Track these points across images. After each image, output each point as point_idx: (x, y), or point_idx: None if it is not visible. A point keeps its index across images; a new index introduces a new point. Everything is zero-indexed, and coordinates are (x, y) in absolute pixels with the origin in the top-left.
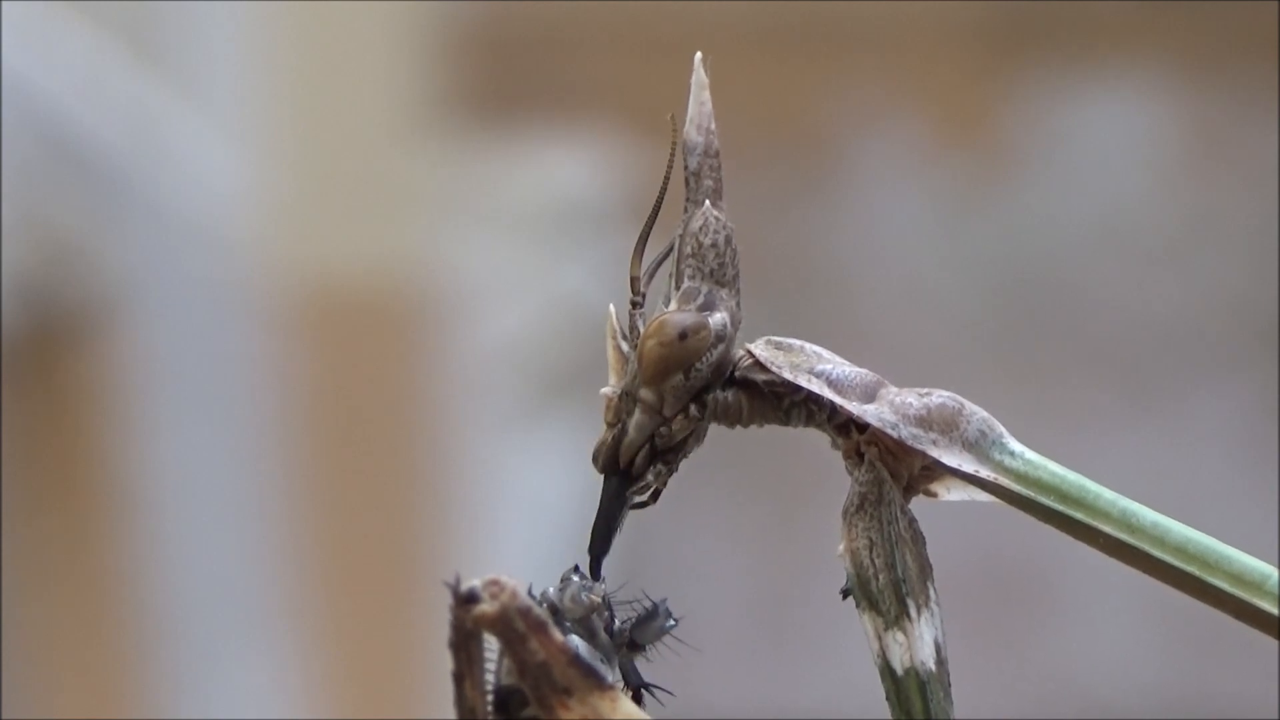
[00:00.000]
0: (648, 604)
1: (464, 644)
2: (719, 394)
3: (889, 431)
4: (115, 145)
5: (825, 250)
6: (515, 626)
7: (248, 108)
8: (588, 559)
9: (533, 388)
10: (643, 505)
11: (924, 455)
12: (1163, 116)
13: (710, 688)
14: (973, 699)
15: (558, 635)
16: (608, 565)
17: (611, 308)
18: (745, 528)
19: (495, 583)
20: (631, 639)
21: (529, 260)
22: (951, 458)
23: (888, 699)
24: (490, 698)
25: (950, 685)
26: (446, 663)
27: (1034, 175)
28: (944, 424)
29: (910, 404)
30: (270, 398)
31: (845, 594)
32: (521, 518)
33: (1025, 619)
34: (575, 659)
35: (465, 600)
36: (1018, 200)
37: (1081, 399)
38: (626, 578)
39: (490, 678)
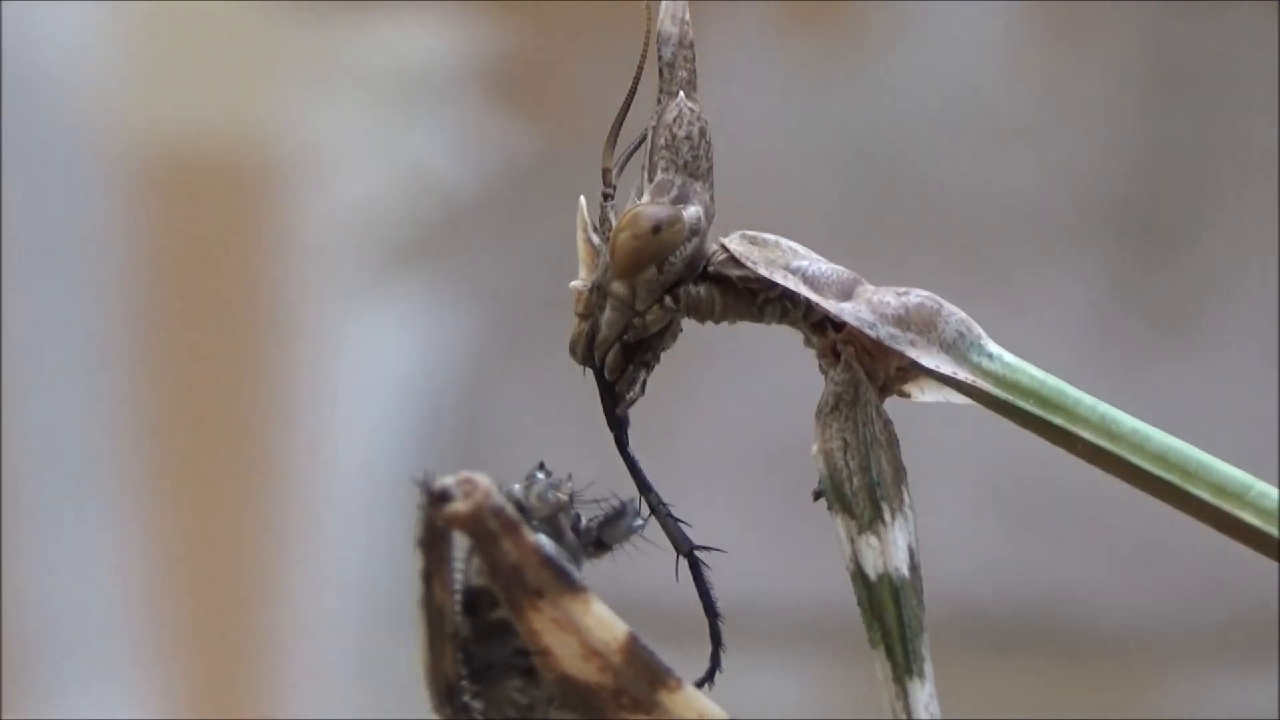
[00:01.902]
0: (615, 503)
1: (434, 543)
2: (692, 288)
3: (866, 331)
4: None
5: None
6: (488, 526)
7: None
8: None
9: (379, 256)
10: (632, 402)
11: (901, 355)
12: None
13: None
14: (808, 581)
15: (531, 536)
16: (563, 466)
17: (582, 200)
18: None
19: (468, 481)
20: (598, 538)
21: (377, 127)
22: (929, 358)
23: (859, 604)
24: (459, 598)
25: (923, 591)
26: (291, 550)
27: (887, 52)
28: (922, 324)
29: (888, 303)
30: (112, 257)
31: (817, 495)
32: (365, 387)
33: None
34: (548, 560)
35: (437, 498)
36: (871, 77)
37: (930, 277)
38: (594, 477)
39: (459, 577)
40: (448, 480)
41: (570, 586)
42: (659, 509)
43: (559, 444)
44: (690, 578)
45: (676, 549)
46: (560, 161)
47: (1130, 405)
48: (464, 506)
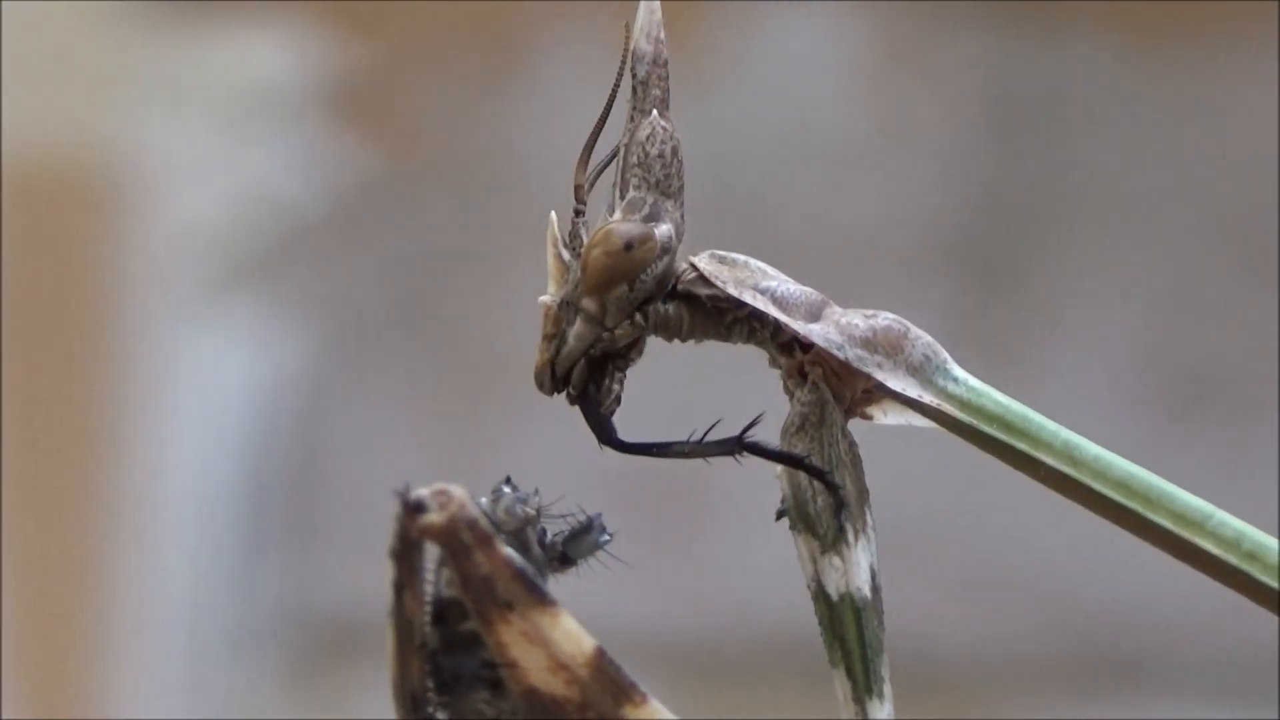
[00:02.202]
0: (582, 518)
1: (406, 554)
2: (661, 306)
3: (835, 352)
4: None
5: (512, 150)
6: (461, 538)
7: None
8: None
9: (219, 273)
10: (612, 409)
11: (868, 378)
12: (855, 26)
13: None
14: (635, 605)
15: (503, 549)
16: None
17: (552, 215)
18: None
19: (443, 492)
20: (563, 553)
21: (219, 143)
22: (896, 381)
23: (820, 623)
24: (429, 609)
25: (884, 613)
26: (124, 566)
27: (726, 81)
28: (889, 347)
29: (856, 325)
30: None
31: (780, 515)
32: (203, 403)
33: (687, 526)
34: (519, 573)
35: (412, 509)
36: (710, 106)
37: None
38: (561, 492)
39: (429, 589)
40: (423, 491)
41: (540, 600)
42: (691, 449)
43: (398, 460)
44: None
45: (731, 453)
46: (401, 181)
47: None
48: (438, 518)
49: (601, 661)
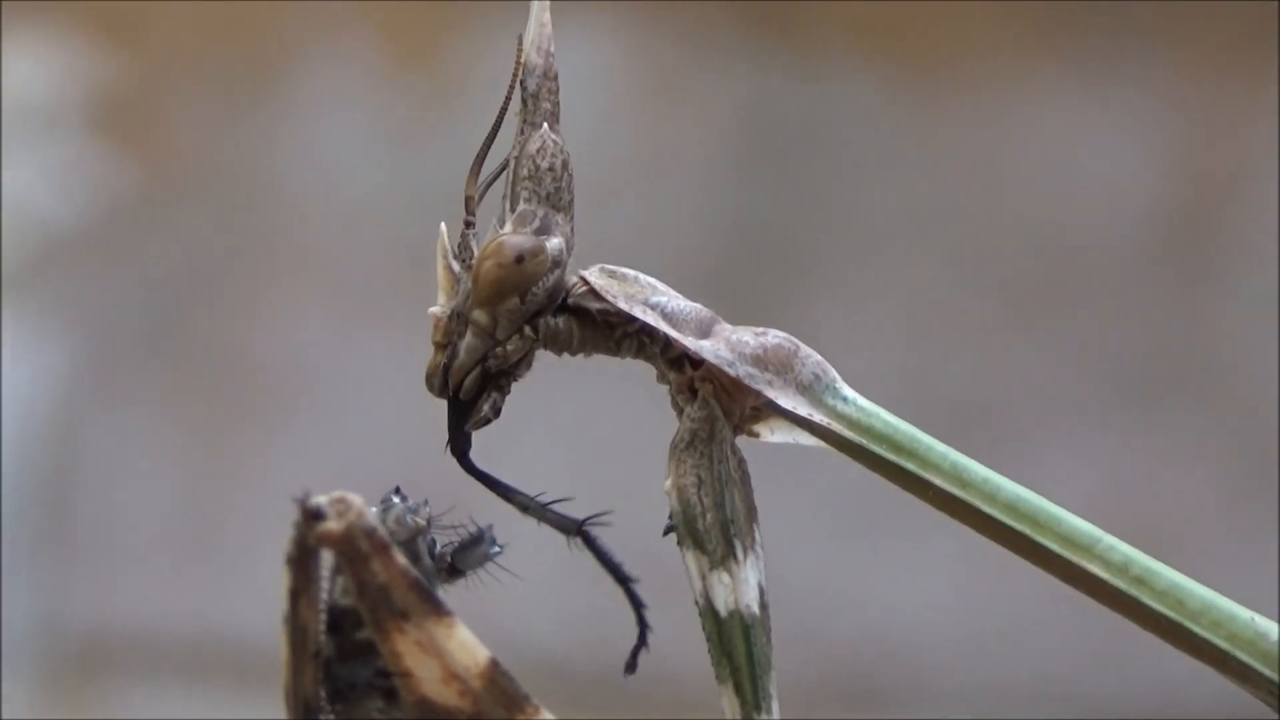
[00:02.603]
0: (473, 529)
1: (303, 561)
2: (551, 320)
3: (725, 369)
4: None
5: (267, 169)
6: (359, 546)
7: None
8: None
9: None
10: (484, 423)
11: (758, 395)
12: (615, 54)
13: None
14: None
15: (400, 558)
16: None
17: (443, 226)
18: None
19: (341, 500)
20: (453, 563)
21: None
22: (786, 399)
23: (708, 640)
24: (323, 617)
25: (771, 629)
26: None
27: (482, 106)
28: (779, 365)
29: (746, 342)
30: None
31: (668, 530)
32: None
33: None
34: (416, 583)
35: (310, 516)
36: (465, 130)
37: None
38: (453, 502)
39: (324, 597)
40: (321, 499)
41: (435, 610)
42: (531, 506)
43: (152, 473)
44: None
45: (566, 533)
46: (159, 195)
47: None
48: (336, 525)
49: (495, 673)
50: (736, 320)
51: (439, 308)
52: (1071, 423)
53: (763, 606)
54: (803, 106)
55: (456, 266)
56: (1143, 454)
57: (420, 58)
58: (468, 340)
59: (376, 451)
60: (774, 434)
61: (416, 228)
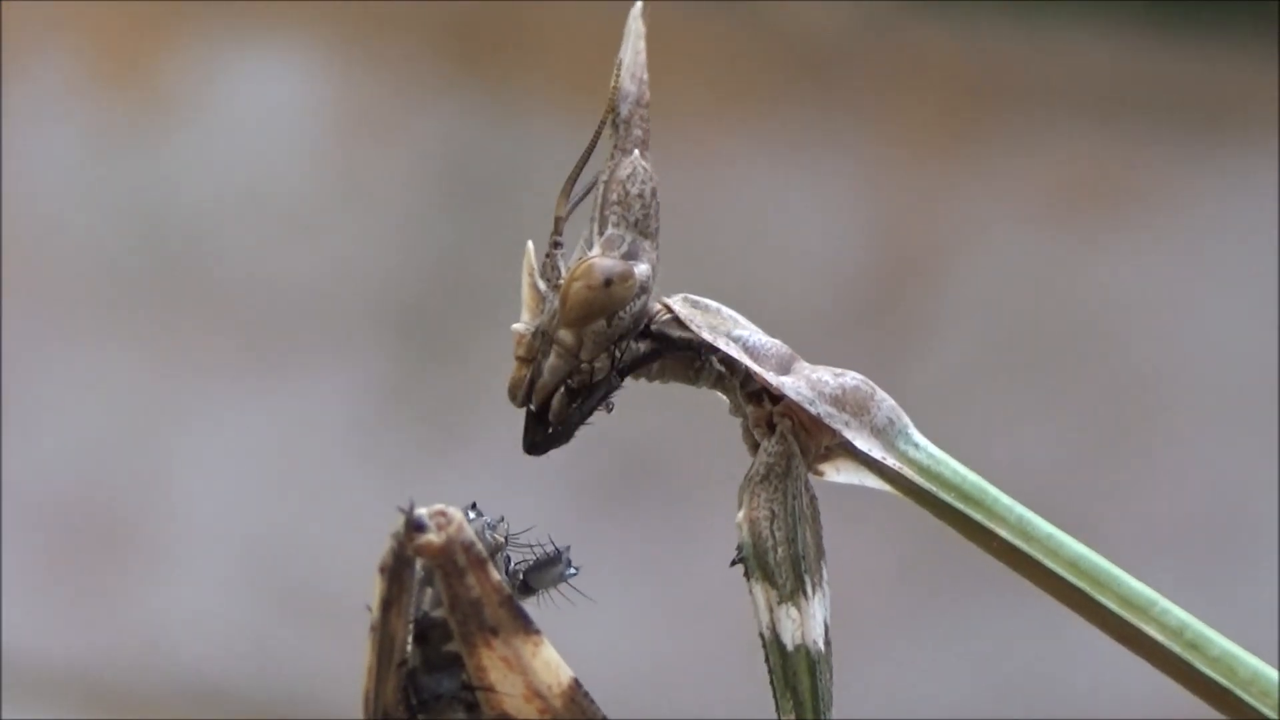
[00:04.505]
0: (550, 549)
1: (398, 571)
2: (633, 344)
3: (806, 406)
4: None
5: None
6: (456, 560)
7: None
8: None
9: None
10: (565, 438)
11: (834, 434)
12: (322, 86)
13: None
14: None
15: (495, 574)
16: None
17: (530, 244)
18: None
19: (442, 513)
20: (525, 581)
21: None
22: (862, 441)
23: (771, 673)
24: (412, 627)
25: (833, 667)
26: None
27: (188, 126)
28: (856, 406)
29: (826, 382)
30: None
31: (735, 562)
32: None
33: (117, 565)
34: (508, 600)
35: (412, 528)
36: (171, 149)
37: (211, 360)
38: (530, 523)
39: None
40: (423, 511)
41: (525, 628)
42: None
43: None
44: None
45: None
46: None
47: (399, 503)
48: (437, 538)
49: (575, 694)
50: (430, 358)
51: (523, 324)
52: None
53: (827, 643)
54: (506, 149)
55: (542, 285)
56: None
57: (129, 71)
58: (552, 359)
59: (71, 464)
60: (840, 474)
61: (112, 247)
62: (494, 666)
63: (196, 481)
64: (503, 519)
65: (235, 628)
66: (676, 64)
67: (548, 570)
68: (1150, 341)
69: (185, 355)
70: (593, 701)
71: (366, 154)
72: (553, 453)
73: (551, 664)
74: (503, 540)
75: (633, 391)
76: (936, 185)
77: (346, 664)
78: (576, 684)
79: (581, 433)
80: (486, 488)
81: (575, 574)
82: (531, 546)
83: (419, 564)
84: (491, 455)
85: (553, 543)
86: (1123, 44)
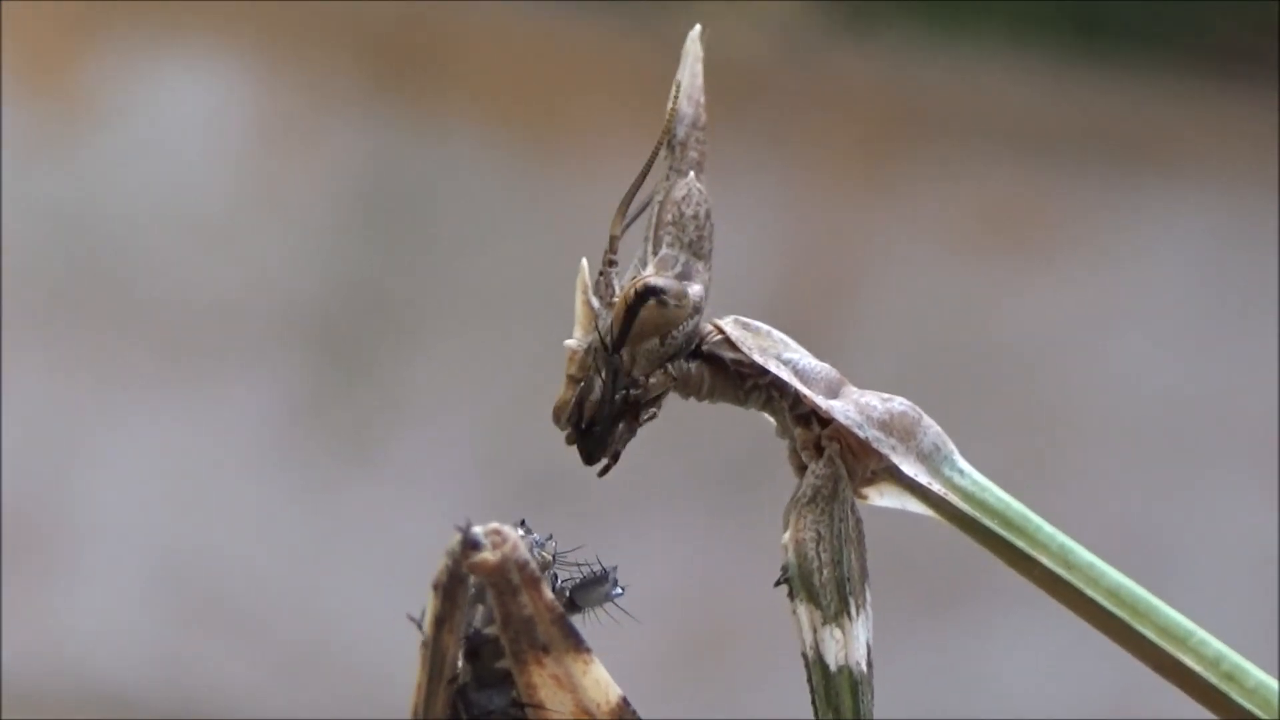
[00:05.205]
0: (597, 569)
1: (452, 589)
2: (684, 364)
3: (855, 430)
4: None
5: None
6: (510, 578)
7: None
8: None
9: None
10: (605, 471)
11: (881, 459)
12: (243, 98)
13: None
14: None
15: (548, 592)
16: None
17: (584, 262)
18: None
19: (498, 532)
20: (572, 599)
21: None
22: (908, 466)
23: (814, 692)
24: (463, 645)
25: (873, 690)
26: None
27: (107, 135)
28: (903, 431)
29: (874, 406)
30: None
31: (780, 582)
32: None
33: (26, 574)
34: (560, 618)
35: (468, 546)
36: (87, 157)
37: (125, 370)
38: (580, 542)
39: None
40: (478, 529)
41: (576, 646)
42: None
43: None
44: None
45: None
46: None
47: (311, 518)
48: (492, 557)
49: (624, 711)
50: (345, 373)
51: (575, 341)
52: (665, 506)
53: (869, 664)
54: (426, 165)
55: (595, 303)
56: (734, 541)
57: (48, 77)
58: (604, 376)
59: None
60: (884, 498)
61: (31, 254)
62: (544, 684)
63: (108, 491)
64: (550, 537)
65: (145, 638)
66: (598, 85)
67: (594, 589)
68: (1063, 372)
69: (99, 364)
70: (640, 719)
71: (287, 167)
72: (462, 470)
73: (601, 682)
74: (550, 558)
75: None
76: (855, 212)
77: (255, 675)
78: (625, 702)
79: (490, 451)
80: (396, 502)
81: (621, 594)
82: (578, 565)
83: (472, 581)
84: (403, 471)
85: (600, 562)
86: (1042, 80)
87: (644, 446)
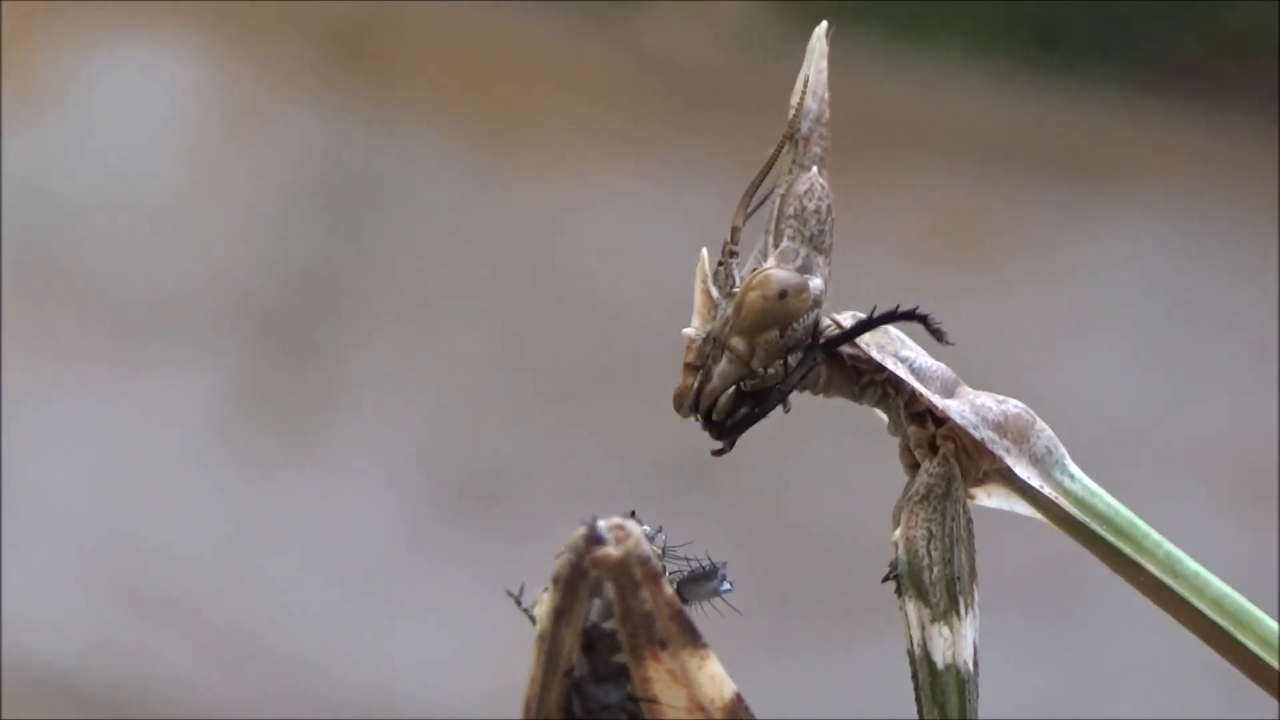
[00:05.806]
0: (706, 563)
1: (573, 582)
2: (803, 357)
3: (970, 430)
4: None
5: None
6: (632, 574)
7: None
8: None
9: None
10: (721, 452)
11: (995, 460)
12: (193, 84)
13: None
14: None
15: (668, 588)
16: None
17: (704, 251)
18: None
19: (621, 527)
20: (680, 593)
21: None
22: (1021, 468)
23: (920, 689)
24: (581, 638)
25: (979, 690)
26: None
27: (54, 117)
28: (1017, 434)
29: (989, 408)
30: None
31: (888, 578)
32: None
33: None
34: (679, 614)
35: (591, 541)
36: (33, 139)
37: (65, 352)
38: (690, 536)
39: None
40: (601, 524)
41: (693, 641)
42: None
43: None
44: None
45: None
46: None
47: (251, 504)
48: (615, 552)
49: (738, 708)
50: (288, 361)
51: (694, 330)
52: (604, 504)
53: (975, 664)
54: (376, 155)
55: (715, 292)
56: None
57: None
58: (722, 366)
59: None
60: (992, 499)
61: None
62: (660, 679)
63: (44, 473)
64: (660, 530)
65: (80, 623)
66: (551, 81)
67: (703, 584)
68: (1012, 384)
69: (39, 346)
70: (753, 715)
71: (235, 153)
72: (404, 463)
73: (716, 678)
74: (660, 551)
75: (485, 411)
76: None
77: (191, 660)
78: (739, 699)
79: (433, 445)
80: (336, 492)
81: (730, 590)
82: (687, 559)
83: (591, 575)
84: (345, 460)
85: (709, 557)
86: (998, 93)
87: (583, 445)
